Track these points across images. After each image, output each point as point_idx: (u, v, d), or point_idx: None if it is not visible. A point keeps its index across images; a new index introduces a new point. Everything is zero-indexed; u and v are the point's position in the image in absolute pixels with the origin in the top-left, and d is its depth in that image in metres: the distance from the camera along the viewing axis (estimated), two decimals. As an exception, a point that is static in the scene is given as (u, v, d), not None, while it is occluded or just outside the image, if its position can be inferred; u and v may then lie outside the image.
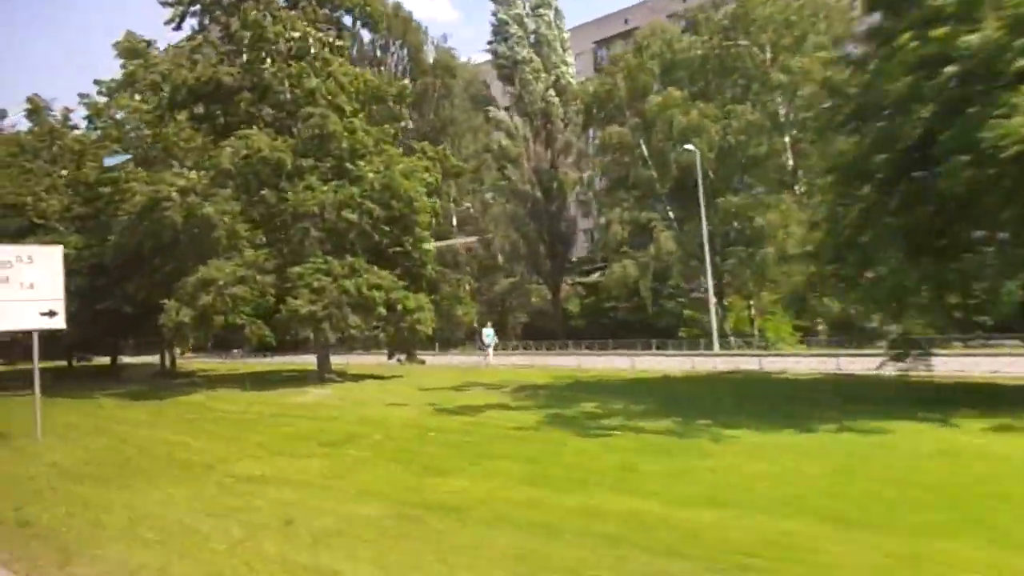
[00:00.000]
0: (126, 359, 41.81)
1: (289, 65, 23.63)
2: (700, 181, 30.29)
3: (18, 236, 29.01)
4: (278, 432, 14.07)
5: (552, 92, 41.61)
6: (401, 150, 25.39)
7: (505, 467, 9.83)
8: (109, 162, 28.90)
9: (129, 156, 28.30)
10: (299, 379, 25.25)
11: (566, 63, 43.24)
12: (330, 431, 13.83)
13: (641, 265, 33.27)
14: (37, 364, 14.45)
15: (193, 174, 22.56)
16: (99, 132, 30.87)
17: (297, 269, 22.19)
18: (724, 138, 31.98)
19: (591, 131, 39.66)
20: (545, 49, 42.45)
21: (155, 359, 46.52)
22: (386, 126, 24.87)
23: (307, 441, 12.75)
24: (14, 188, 28.75)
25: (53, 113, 31.66)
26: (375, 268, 23.03)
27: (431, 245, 23.70)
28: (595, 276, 41.07)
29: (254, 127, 22.95)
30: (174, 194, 21.61)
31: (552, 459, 10.26)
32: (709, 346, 32.02)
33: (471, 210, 41.49)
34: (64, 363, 35.45)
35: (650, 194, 34.73)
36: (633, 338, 35.59)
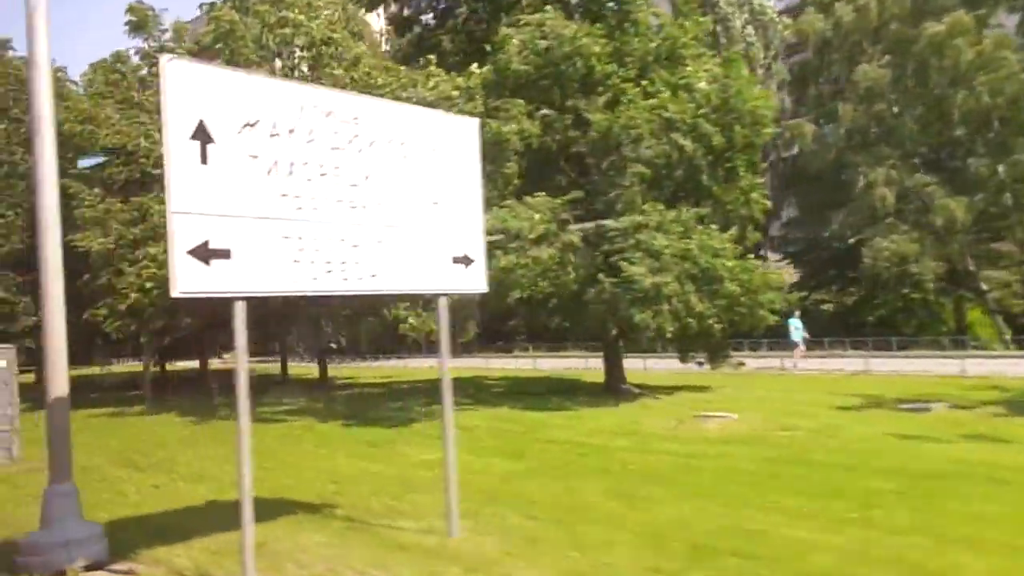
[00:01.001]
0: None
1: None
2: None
3: (126, 192, 21.22)
4: (968, 513, 6.50)
5: (751, 29, 33.96)
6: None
7: None
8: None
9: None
10: (567, 391, 17.71)
11: (761, -6, 35.44)
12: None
13: (914, 240, 25.80)
14: (447, 358, 6.55)
15: (461, 79, 14.67)
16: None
17: (620, 224, 14.49)
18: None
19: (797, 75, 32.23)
20: (738, -23, 34.73)
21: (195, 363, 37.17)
22: (700, 19, 17.06)
23: None
24: (118, 127, 20.83)
25: (164, 28, 23.63)
26: (709, 227, 15.45)
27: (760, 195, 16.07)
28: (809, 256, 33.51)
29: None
30: (454, 93, 13.82)
31: None
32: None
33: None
34: (157, 368, 27.59)
35: (913, 150, 27.34)
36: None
